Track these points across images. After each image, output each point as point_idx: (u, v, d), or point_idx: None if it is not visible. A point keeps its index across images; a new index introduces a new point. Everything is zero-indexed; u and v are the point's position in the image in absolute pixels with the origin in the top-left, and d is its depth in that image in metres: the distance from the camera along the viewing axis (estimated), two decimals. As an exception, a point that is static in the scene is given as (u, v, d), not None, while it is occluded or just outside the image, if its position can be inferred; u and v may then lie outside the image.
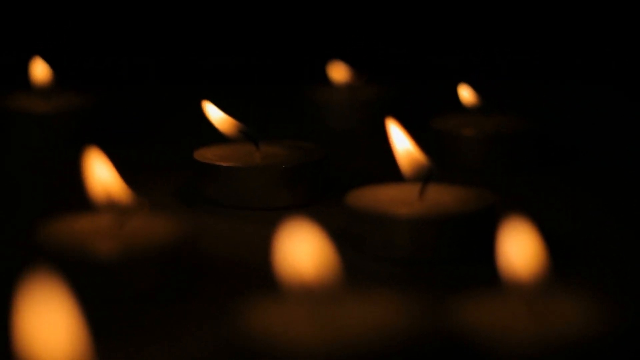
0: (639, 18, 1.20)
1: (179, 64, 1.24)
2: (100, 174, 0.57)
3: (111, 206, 0.56)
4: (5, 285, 0.49)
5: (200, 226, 0.64)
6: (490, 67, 1.21)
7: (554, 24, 1.22)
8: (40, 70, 0.88)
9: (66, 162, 0.80)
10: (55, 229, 0.55)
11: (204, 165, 0.69)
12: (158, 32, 1.25)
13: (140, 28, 1.25)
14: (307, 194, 0.69)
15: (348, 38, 1.21)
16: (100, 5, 1.24)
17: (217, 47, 1.26)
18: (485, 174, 0.77)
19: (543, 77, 1.17)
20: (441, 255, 0.58)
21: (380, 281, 0.56)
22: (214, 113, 0.71)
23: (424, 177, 0.62)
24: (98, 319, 0.40)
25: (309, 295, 0.44)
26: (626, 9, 1.21)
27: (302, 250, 0.45)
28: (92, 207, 0.56)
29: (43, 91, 0.88)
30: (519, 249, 0.46)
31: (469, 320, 0.44)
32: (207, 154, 0.70)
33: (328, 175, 0.71)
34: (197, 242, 0.57)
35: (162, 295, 0.53)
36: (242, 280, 0.56)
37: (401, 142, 0.64)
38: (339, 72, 0.97)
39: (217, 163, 0.68)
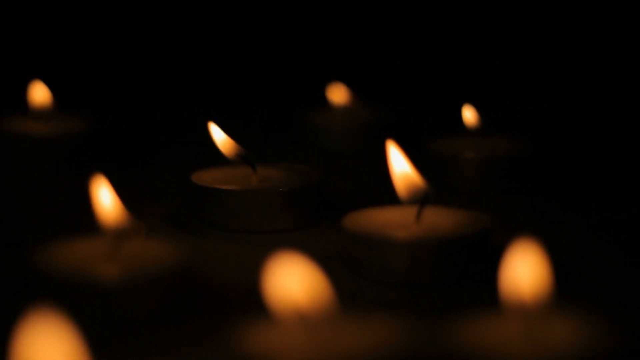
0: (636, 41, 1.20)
1: (179, 63, 1.24)
2: (105, 197, 0.57)
3: (113, 229, 0.56)
4: (5, 310, 0.49)
5: (197, 249, 0.64)
6: (490, 67, 1.21)
7: (554, 24, 1.22)
8: (39, 93, 0.88)
9: (64, 185, 0.80)
10: (54, 253, 0.55)
11: (201, 188, 0.69)
12: (158, 32, 1.25)
13: (140, 28, 1.25)
14: (304, 217, 0.69)
15: (348, 38, 1.21)
16: (99, 5, 1.24)
17: (217, 49, 1.26)
18: (482, 196, 0.77)
19: (541, 99, 1.17)
20: (438, 278, 0.58)
21: (376, 304, 0.56)
22: (217, 134, 0.71)
23: (420, 200, 0.62)
24: (97, 343, 0.41)
25: (303, 320, 0.45)
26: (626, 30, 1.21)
27: (293, 278, 0.46)
28: (90, 230, 0.57)
29: (41, 114, 0.88)
30: (526, 271, 0.46)
31: (465, 342, 0.44)
32: (204, 177, 0.70)
33: (325, 198, 0.71)
34: (194, 265, 0.57)
35: (160, 318, 0.53)
36: (239, 303, 0.56)
37: (399, 165, 0.64)
38: (337, 95, 0.97)
39: (214, 186, 0.68)
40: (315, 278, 0.46)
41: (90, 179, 0.58)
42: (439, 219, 0.62)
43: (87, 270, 0.53)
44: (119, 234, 0.55)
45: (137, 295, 0.53)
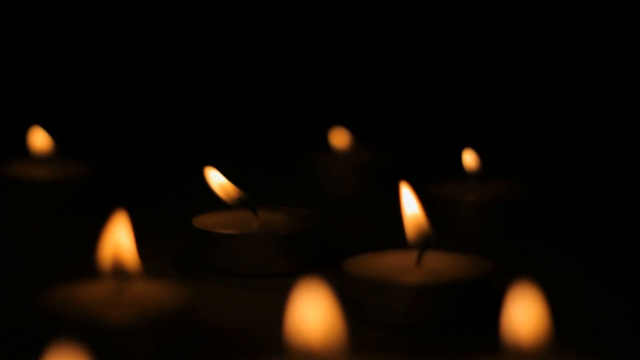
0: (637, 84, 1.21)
1: (180, 107, 1.24)
2: (118, 238, 0.57)
3: (116, 272, 0.56)
4: (13, 354, 0.49)
5: (199, 292, 0.64)
6: (491, 110, 1.22)
7: (557, 65, 1.23)
8: (40, 138, 0.88)
9: (66, 230, 0.81)
10: (58, 296, 0.55)
11: (203, 232, 0.69)
12: (159, 76, 1.26)
13: (141, 73, 1.26)
14: (305, 261, 0.69)
15: (342, 95, 1.21)
16: (99, 52, 1.25)
17: (217, 93, 1.26)
18: (481, 240, 0.77)
19: (540, 143, 1.17)
20: (439, 322, 0.59)
21: (377, 347, 0.56)
22: (215, 178, 0.71)
23: (421, 244, 0.62)
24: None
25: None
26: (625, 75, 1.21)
27: (313, 317, 0.46)
28: (94, 273, 0.57)
29: (43, 159, 0.88)
30: (524, 315, 0.46)
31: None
32: (205, 221, 0.70)
33: (326, 242, 0.71)
34: (196, 308, 0.57)
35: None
36: (242, 346, 0.56)
37: (410, 207, 0.64)
38: (337, 138, 0.98)
39: (216, 230, 0.69)
40: (334, 319, 0.46)
41: (110, 216, 0.58)
42: (440, 263, 0.62)
43: (92, 313, 0.53)
44: (122, 276, 0.56)
45: (140, 338, 0.53)
